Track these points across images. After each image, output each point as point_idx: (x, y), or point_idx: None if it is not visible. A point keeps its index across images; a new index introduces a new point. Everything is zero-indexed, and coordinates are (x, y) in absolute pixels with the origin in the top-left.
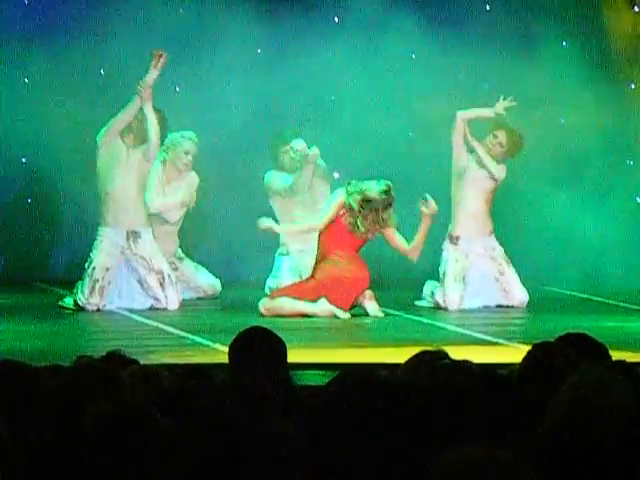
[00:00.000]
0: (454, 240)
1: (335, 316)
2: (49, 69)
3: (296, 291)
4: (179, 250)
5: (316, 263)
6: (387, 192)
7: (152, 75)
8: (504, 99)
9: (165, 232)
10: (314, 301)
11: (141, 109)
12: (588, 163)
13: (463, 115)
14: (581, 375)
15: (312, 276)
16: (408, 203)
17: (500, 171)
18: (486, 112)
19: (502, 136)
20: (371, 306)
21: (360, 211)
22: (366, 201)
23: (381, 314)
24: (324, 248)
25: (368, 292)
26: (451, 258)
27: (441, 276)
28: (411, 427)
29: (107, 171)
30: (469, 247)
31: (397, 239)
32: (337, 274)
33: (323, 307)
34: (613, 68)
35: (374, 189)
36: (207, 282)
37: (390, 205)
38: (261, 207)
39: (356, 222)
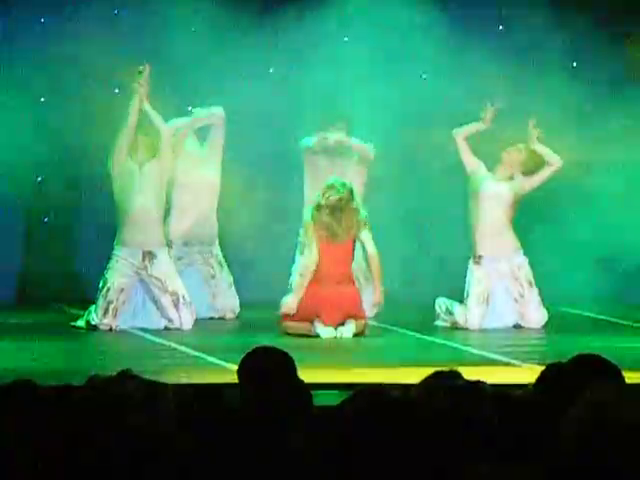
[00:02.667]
0: (477, 259)
1: (317, 335)
2: (65, 88)
3: (292, 315)
4: (220, 254)
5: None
6: (332, 188)
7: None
8: (491, 105)
9: (201, 215)
10: (308, 316)
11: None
12: (603, 184)
13: (461, 134)
14: (594, 395)
15: (304, 295)
16: (422, 228)
17: (557, 159)
18: (479, 126)
19: (524, 152)
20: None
21: (329, 220)
22: (324, 208)
23: (349, 334)
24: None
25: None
26: (475, 279)
27: (465, 296)
28: (424, 447)
29: (124, 193)
30: (493, 265)
31: (368, 243)
32: (325, 293)
33: (310, 327)
34: (626, 89)
35: (324, 194)
36: (231, 305)
37: (348, 200)
38: (279, 226)
39: (332, 230)
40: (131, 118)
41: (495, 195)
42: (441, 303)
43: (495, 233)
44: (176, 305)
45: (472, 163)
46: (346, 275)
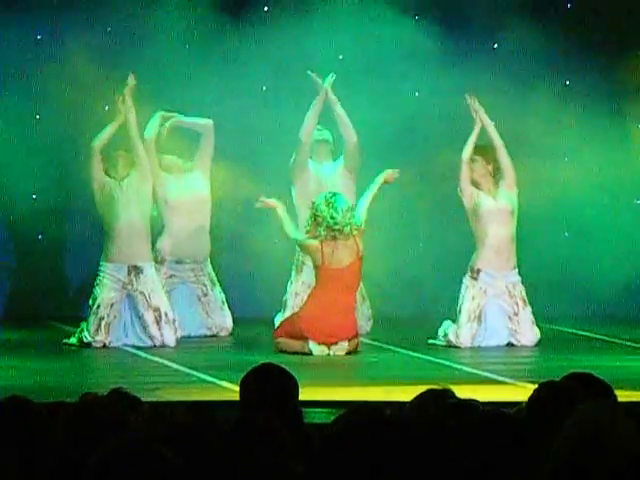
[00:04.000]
0: (474, 274)
1: (310, 352)
2: (61, 105)
3: (286, 330)
4: (212, 272)
5: (309, 296)
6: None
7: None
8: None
9: (195, 231)
10: (302, 332)
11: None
12: (593, 201)
13: (466, 156)
14: (582, 414)
15: (301, 310)
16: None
17: (498, 139)
18: (474, 134)
19: (472, 163)
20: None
21: (324, 210)
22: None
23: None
24: (317, 288)
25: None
26: (468, 295)
27: (457, 312)
28: (416, 465)
29: (106, 208)
30: (490, 281)
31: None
32: (320, 315)
33: (304, 345)
34: (619, 107)
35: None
36: (224, 324)
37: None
38: (274, 242)
39: (327, 221)
40: (103, 138)
41: (495, 211)
42: (445, 326)
43: (500, 250)
44: (158, 322)
45: (467, 193)
46: (346, 303)
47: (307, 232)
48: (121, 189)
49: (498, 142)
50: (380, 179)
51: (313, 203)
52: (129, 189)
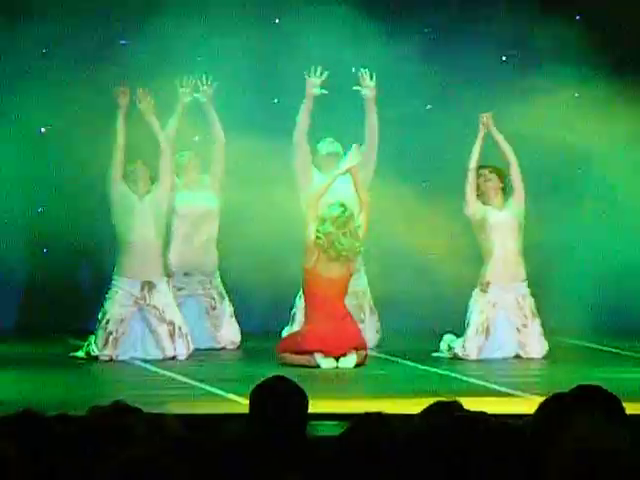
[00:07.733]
0: (484, 287)
1: (317, 366)
2: (66, 119)
3: (290, 346)
4: (221, 285)
5: (306, 315)
6: (334, 205)
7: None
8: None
9: (202, 242)
10: (309, 352)
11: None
12: (602, 212)
13: (471, 165)
14: (575, 431)
15: (302, 329)
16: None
17: (513, 157)
18: (478, 143)
19: (489, 173)
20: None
21: (334, 230)
22: (328, 220)
23: (350, 365)
24: (309, 306)
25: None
26: (476, 309)
27: (466, 325)
28: (423, 478)
29: (124, 224)
30: (499, 294)
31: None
32: (324, 330)
33: (311, 359)
34: (630, 119)
35: (327, 209)
36: (232, 337)
37: (350, 216)
38: (282, 256)
39: (337, 242)
40: (118, 137)
41: (502, 223)
42: (447, 340)
43: (507, 261)
44: (172, 336)
45: (471, 208)
46: (340, 310)
47: (316, 240)
48: (142, 204)
49: (513, 159)
50: (345, 167)
51: (326, 211)
52: (149, 206)
